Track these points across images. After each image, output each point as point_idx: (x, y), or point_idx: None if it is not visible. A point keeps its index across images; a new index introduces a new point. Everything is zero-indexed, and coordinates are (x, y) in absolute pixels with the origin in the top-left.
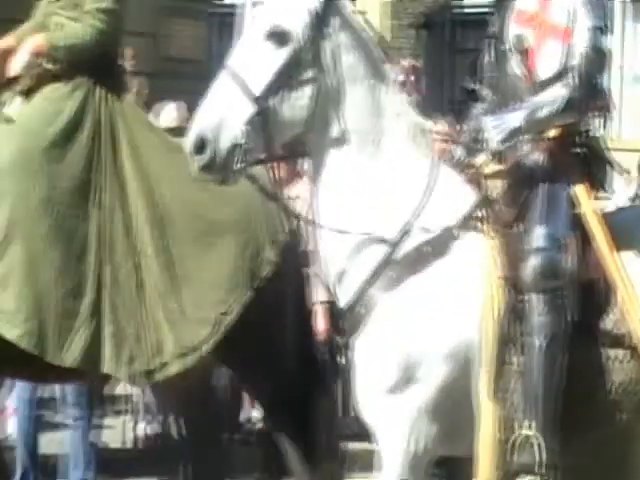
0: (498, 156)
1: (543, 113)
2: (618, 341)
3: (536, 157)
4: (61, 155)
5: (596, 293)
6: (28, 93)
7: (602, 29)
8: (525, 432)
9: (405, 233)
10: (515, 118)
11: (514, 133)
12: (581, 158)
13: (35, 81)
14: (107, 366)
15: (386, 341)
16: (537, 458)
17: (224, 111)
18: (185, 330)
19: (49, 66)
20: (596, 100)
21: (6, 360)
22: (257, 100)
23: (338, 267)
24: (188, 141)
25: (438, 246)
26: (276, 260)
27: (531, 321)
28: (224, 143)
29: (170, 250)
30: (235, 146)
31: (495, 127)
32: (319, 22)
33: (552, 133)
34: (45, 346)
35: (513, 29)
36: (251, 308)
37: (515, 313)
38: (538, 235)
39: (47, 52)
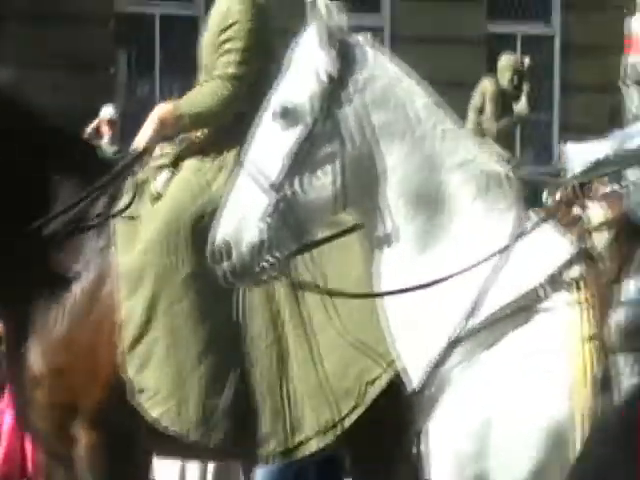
0: (578, 191)
1: (634, 143)
2: None
3: None
4: (208, 230)
5: None
6: (176, 165)
7: None
8: None
9: (477, 304)
10: (601, 147)
11: (598, 165)
12: None
13: (183, 152)
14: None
15: (465, 427)
16: None
17: (242, 210)
18: (326, 403)
19: (192, 136)
20: None
21: (154, 437)
22: (272, 190)
23: (405, 342)
24: (209, 251)
25: (520, 313)
26: None
27: (618, 387)
28: (244, 246)
29: (311, 317)
30: (256, 246)
31: (577, 157)
32: (334, 87)
33: None
34: (187, 426)
35: (629, 58)
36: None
37: (607, 379)
38: (631, 287)
39: (173, 121)
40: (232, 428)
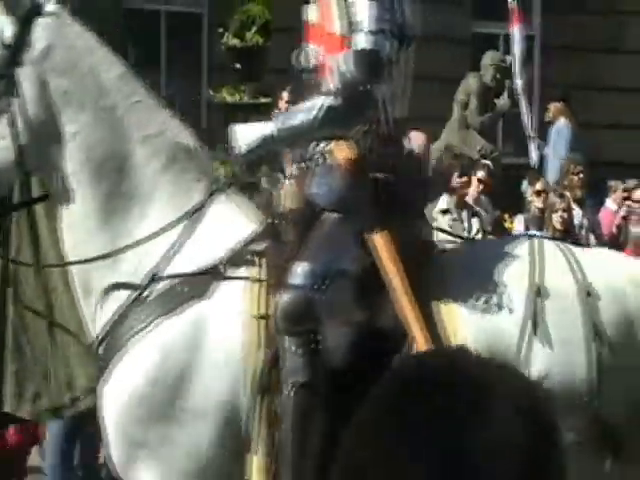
0: (249, 168)
1: (296, 121)
2: None
3: (327, 182)
4: None
5: (392, 342)
6: None
7: (385, 32)
8: None
9: (154, 277)
10: (266, 126)
11: (264, 142)
12: (385, 185)
13: None
14: (8, 404)
15: (133, 393)
16: None
17: None
18: (96, 362)
19: None
20: (366, 111)
21: None
22: None
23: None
24: None
25: (196, 287)
26: None
27: (282, 368)
28: None
29: None
30: None
31: (244, 135)
32: (13, 50)
33: (343, 154)
34: None
35: (307, 46)
36: None
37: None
38: (296, 271)
39: None
40: None
